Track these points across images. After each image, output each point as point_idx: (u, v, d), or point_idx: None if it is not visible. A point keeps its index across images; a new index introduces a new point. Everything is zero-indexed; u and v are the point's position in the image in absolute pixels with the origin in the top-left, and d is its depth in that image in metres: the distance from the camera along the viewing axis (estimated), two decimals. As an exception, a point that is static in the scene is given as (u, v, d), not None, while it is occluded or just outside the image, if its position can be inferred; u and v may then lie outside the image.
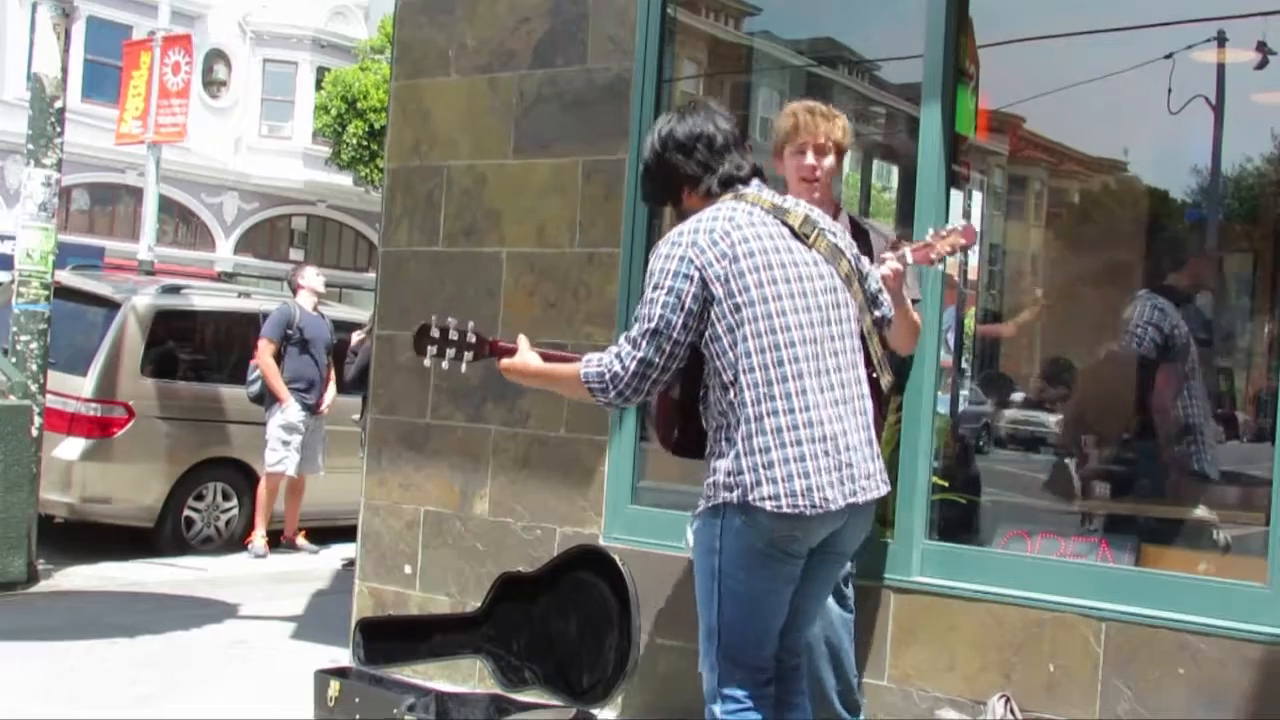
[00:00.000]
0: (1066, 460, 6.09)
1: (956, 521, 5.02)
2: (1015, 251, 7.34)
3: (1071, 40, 5.64)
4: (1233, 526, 5.03)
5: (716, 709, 3.19)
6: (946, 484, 4.85)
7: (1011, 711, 4.04)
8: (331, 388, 9.25)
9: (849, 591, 4.07)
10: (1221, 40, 6.03)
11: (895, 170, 7.18)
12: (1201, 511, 5.25)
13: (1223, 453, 5.63)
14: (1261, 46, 5.86)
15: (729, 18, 6.27)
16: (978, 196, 6.66)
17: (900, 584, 4.37)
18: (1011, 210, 7.30)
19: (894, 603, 4.37)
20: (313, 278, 9.36)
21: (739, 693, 3.17)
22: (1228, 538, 5.02)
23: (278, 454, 8.81)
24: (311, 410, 8.96)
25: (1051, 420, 7.01)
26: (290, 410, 8.79)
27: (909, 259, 3.76)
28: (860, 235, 3.95)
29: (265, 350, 8.86)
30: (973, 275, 6.73)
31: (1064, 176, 7.43)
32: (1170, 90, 5.91)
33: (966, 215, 6.29)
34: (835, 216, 3.99)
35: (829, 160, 3.94)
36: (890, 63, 6.26)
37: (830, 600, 3.91)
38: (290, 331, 8.91)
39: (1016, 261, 7.27)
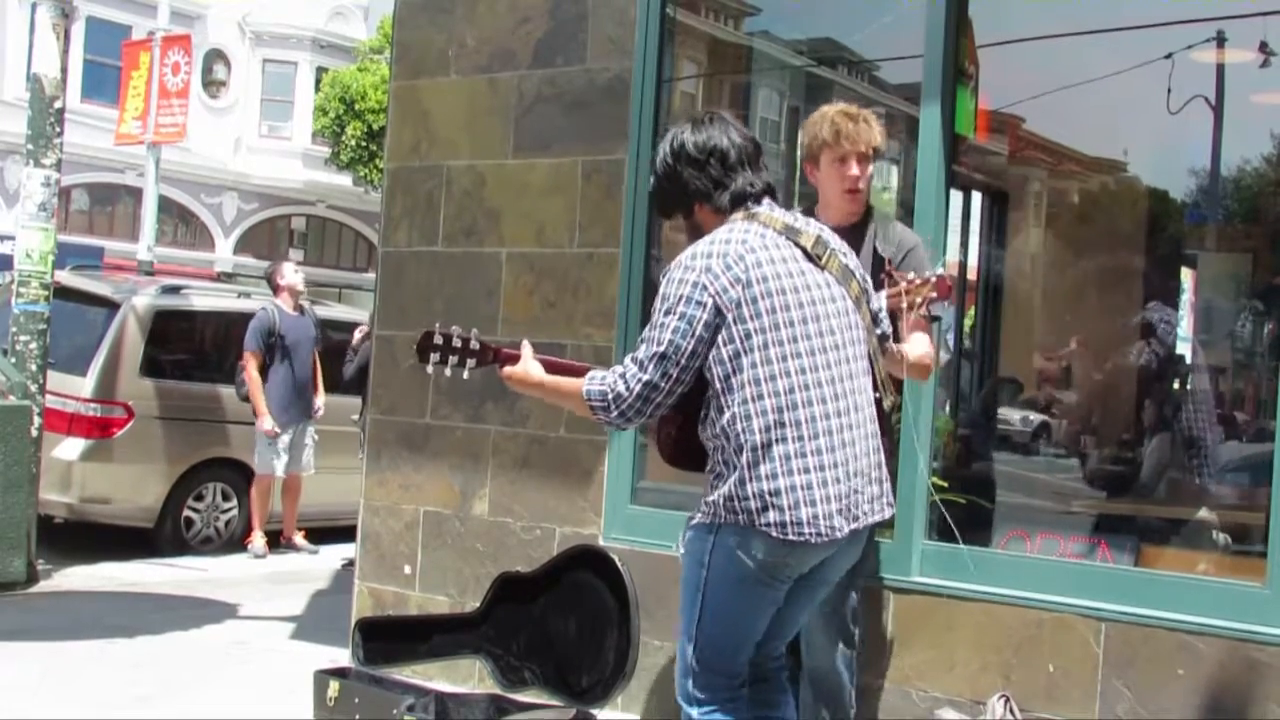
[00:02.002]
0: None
1: (956, 522, 5.02)
2: (1014, 252, 7.34)
3: (1071, 40, 5.63)
4: (1232, 527, 5.04)
5: (692, 711, 3.23)
6: (946, 484, 4.85)
7: (1011, 712, 4.04)
8: (319, 389, 9.18)
9: (855, 630, 4.02)
10: (1221, 40, 6.04)
11: (895, 170, 7.18)
12: (1201, 512, 5.26)
13: (1222, 453, 5.63)
14: (1262, 47, 5.86)
15: (729, 18, 6.27)
16: (976, 196, 6.66)
17: (900, 584, 4.37)
18: (1011, 211, 7.29)
19: (894, 603, 4.37)
20: (291, 275, 9.24)
21: (713, 696, 3.21)
22: (1227, 538, 5.03)
23: (264, 457, 8.81)
24: (302, 417, 8.93)
25: (1017, 418, 7.04)
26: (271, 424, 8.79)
27: (881, 304, 3.53)
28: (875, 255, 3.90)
29: (250, 364, 8.81)
30: (972, 276, 6.73)
31: (1063, 177, 7.43)
32: (1170, 90, 5.91)
33: (964, 218, 6.29)
34: (866, 219, 3.98)
35: (870, 169, 3.84)
36: (890, 63, 6.26)
37: (831, 645, 3.91)
38: (272, 339, 8.86)
39: (1015, 262, 7.27)
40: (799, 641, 3.87)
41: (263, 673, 5.61)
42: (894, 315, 3.60)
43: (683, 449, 3.28)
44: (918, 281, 3.62)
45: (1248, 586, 3.95)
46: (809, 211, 3.94)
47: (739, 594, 3.13)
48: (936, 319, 3.89)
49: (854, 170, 3.82)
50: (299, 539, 9.25)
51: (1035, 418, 7.12)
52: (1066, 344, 6.50)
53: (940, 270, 3.72)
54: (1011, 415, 7.06)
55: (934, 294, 3.62)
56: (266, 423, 8.74)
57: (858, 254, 3.68)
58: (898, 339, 3.59)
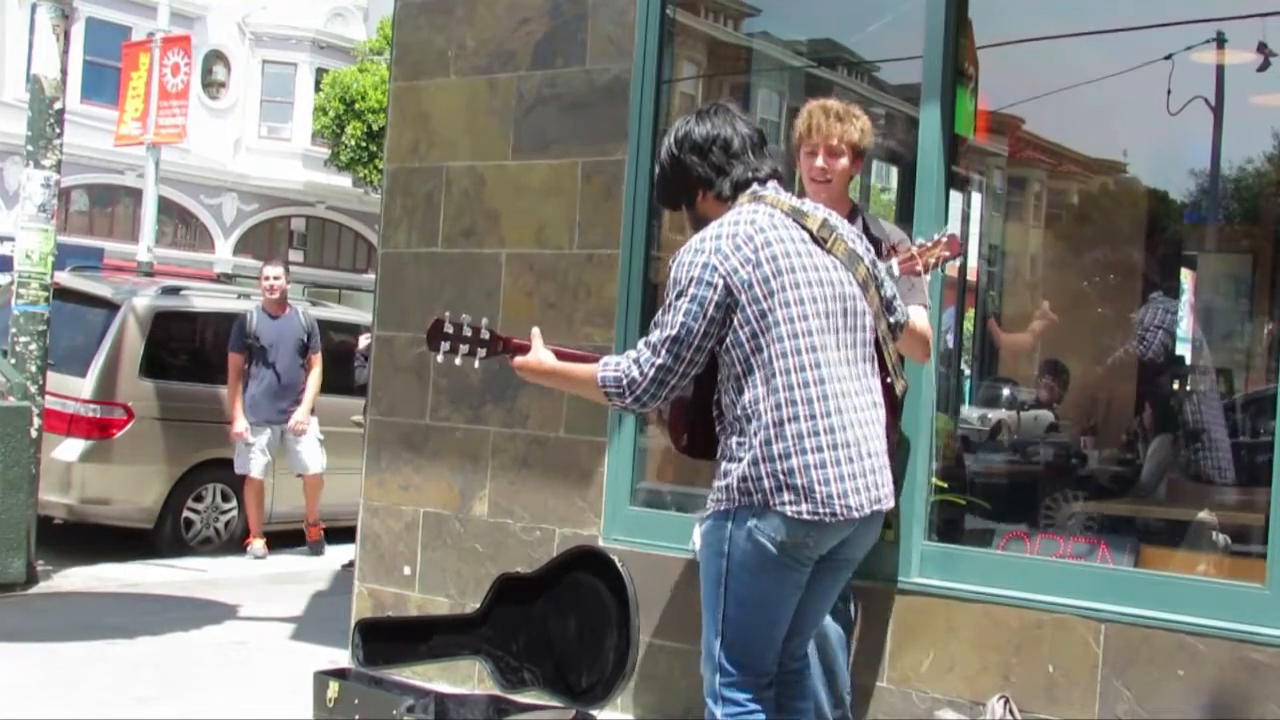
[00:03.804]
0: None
1: (956, 522, 5.02)
2: (1014, 252, 7.35)
3: (1071, 41, 5.64)
4: (1231, 528, 5.04)
5: (718, 710, 3.19)
6: (946, 485, 4.85)
7: (1011, 712, 4.04)
8: (306, 396, 9.01)
9: (848, 607, 4.05)
10: (1221, 41, 6.04)
11: (895, 171, 7.19)
12: (1201, 513, 5.25)
13: (1222, 454, 5.63)
14: (1261, 48, 5.86)
15: (728, 18, 6.27)
16: (976, 197, 6.66)
17: (900, 585, 4.37)
18: (1011, 211, 7.31)
19: (894, 604, 4.37)
20: (268, 276, 9.22)
21: (740, 695, 3.17)
22: (1226, 539, 5.03)
23: (242, 457, 8.81)
24: (276, 418, 8.87)
25: (975, 416, 7.04)
26: (242, 426, 8.79)
27: (895, 271, 3.69)
28: (872, 239, 3.91)
29: (231, 365, 8.86)
30: (971, 276, 6.74)
31: (1063, 177, 7.44)
32: (1170, 91, 5.92)
33: (964, 219, 6.30)
34: (851, 217, 3.98)
35: (841, 162, 3.87)
36: (889, 63, 6.27)
37: (836, 615, 3.92)
38: (249, 340, 8.86)
39: (1015, 262, 7.28)
40: None
41: (262, 673, 5.61)
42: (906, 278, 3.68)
43: (697, 438, 3.28)
44: (929, 245, 3.71)
45: (1247, 587, 3.95)
46: None
47: (763, 579, 3.10)
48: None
49: (819, 162, 3.87)
50: (312, 539, 9.20)
51: (992, 415, 7.12)
52: (1056, 348, 6.50)
53: (950, 230, 3.85)
54: (970, 414, 7.06)
55: (947, 253, 3.71)
56: (236, 425, 8.76)
57: None
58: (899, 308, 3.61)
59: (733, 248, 3.06)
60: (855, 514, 3.05)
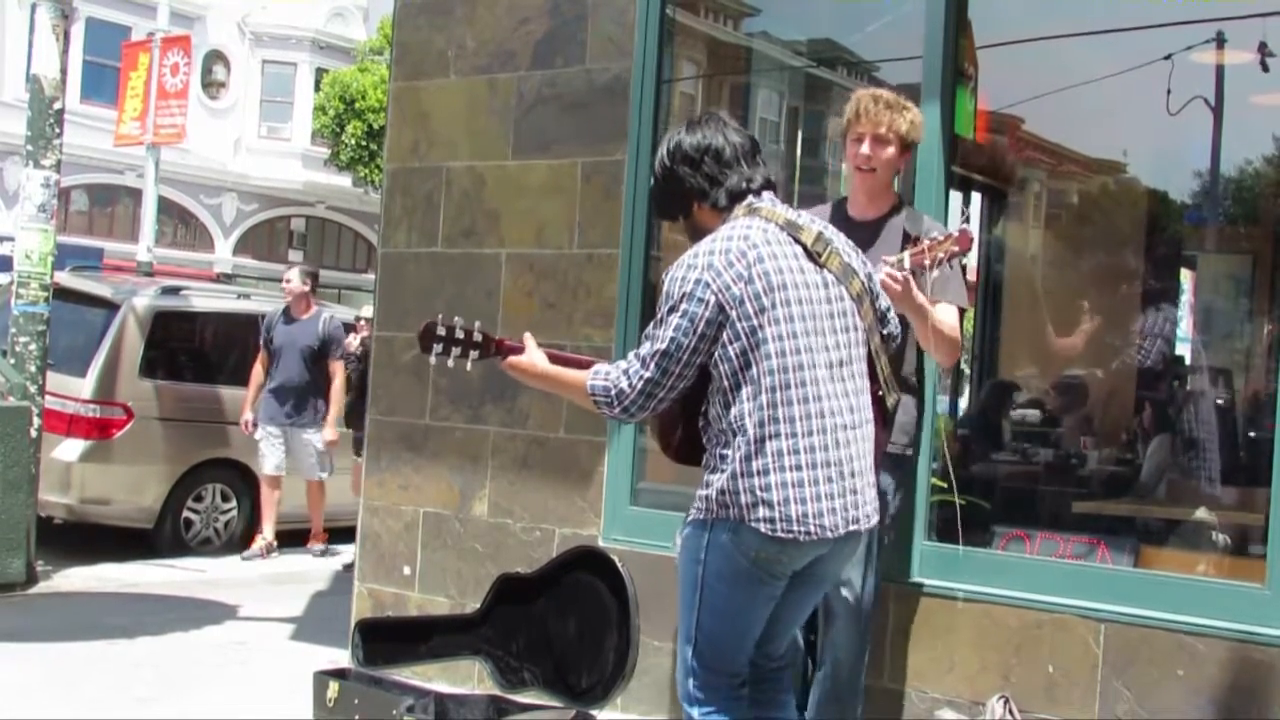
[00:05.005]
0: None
1: (956, 522, 5.02)
2: (1014, 252, 7.34)
3: (1071, 40, 5.64)
4: (1231, 528, 5.04)
5: (694, 712, 3.23)
6: (945, 485, 4.85)
7: (1010, 712, 4.04)
8: (332, 407, 8.96)
9: (864, 633, 4.02)
10: (1221, 42, 6.04)
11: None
12: (1200, 513, 5.26)
13: (1222, 454, 5.63)
14: (1262, 48, 5.86)
15: (728, 18, 6.27)
16: (976, 197, 6.65)
17: (900, 585, 4.37)
18: (1011, 211, 7.30)
19: (893, 604, 4.37)
20: (284, 276, 9.26)
21: (712, 695, 3.21)
22: (1226, 539, 5.03)
23: (260, 451, 8.86)
24: (268, 420, 8.87)
25: (1023, 417, 7.00)
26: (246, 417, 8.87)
27: (906, 263, 3.63)
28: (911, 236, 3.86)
29: (258, 358, 8.94)
30: (971, 276, 6.72)
31: (1063, 178, 7.42)
32: (1169, 91, 5.91)
33: (966, 219, 6.29)
34: (896, 209, 3.97)
35: (888, 151, 3.85)
36: (889, 64, 6.25)
37: (854, 639, 3.92)
38: (265, 338, 8.93)
39: (1015, 262, 7.26)
40: (815, 639, 3.89)
41: (262, 674, 5.61)
42: (918, 272, 3.62)
43: (686, 443, 3.28)
44: (940, 238, 3.64)
45: (1247, 587, 3.96)
46: (841, 203, 3.97)
47: (735, 590, 3.14)
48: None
49: (865, 149, 3.86)
50: (315, 544, 9.19)
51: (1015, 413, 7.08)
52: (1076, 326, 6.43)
53: (962, 225, 3.82)
54: (1020, 415, 7.03)
55: (956, 247, 3.63)
56: (243, 415, 8.86)
57: (886, 241, 3.73)
58: (893, 320, 3.57)
59: (725, 264, 3.06)
60: (829, 534, 3.07)
